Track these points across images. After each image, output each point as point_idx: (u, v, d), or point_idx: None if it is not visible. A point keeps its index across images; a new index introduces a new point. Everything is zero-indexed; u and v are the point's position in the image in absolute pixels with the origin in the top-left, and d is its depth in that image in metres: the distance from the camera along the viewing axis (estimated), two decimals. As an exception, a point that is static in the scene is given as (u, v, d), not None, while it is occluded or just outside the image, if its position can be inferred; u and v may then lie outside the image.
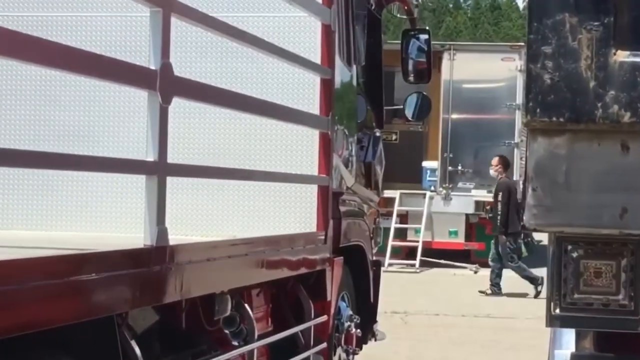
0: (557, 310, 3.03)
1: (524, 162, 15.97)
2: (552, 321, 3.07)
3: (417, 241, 21.93)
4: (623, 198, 2.62)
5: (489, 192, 22.11)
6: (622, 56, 2.61)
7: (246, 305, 6.22)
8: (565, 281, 2.99)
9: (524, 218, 2.71)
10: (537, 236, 28.27)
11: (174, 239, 4.81)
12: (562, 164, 2.60)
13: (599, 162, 2.62)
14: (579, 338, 3.27)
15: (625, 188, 2.59)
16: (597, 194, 2.62)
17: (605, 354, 3.25)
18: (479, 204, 22.12)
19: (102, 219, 6.69)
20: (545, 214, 2.67)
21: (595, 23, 2.57)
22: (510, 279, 17.67)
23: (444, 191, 22.04)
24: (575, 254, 2.95)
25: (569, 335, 3.28)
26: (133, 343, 4.75)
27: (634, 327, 3.04)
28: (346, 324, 8.39)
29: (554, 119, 2.56)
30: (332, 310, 7.85)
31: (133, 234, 4.80)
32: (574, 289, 3.00)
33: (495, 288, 17.75)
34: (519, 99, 21.08)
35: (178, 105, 4.82)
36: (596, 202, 2.64)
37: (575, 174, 2.62)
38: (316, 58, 7.09)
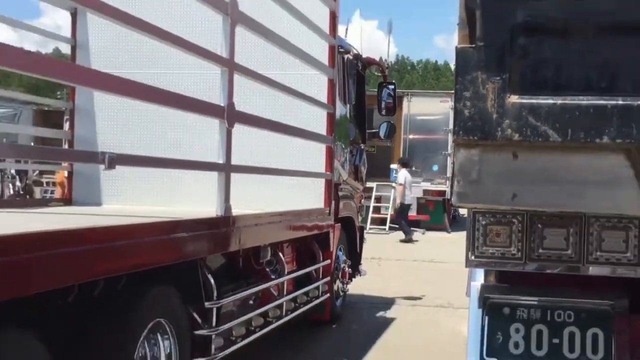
0: (472, 257, 3.05)
1: (452, 165, 15.93)
2: (469, 263, 3.09)
3: (387, 214, 21.97)
4: (513, 187, 2.65)
5: (432, 184, 22.15)
6: (514, 99, 2.63)
7: (280, 253, 6.23)
8: (477, 239, 3.01)
9: (452, 199, 2.73)
10: (461, 211, 28.29)
11: (235, 212, 4.83)
12: (476, 166, 2.62)
13: (499, 164, 2.64)
14: (486, 274, 3.30)
15: (515, 181, 2.62)
16: (497, 184, 2.64)
17: (503, 284, 3.27)
18: (425, 191, 22.16)
19: (190, 200, 6.71)
20: (464, 197, 2.69)
21: (497, 78, 2.59)
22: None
23: (404, 183, 22.03)
24: (484, 222, 2.97)
25: (479, 273, 3.30)
26: (209, 276, 4.78)
27: (521, 268, 3.07)
28: (342, 265, 8.41)
29: (471, 137, 2.58)
30: (333, 257, 7.87)
31: (208, 209, 4.81)
32: (482, 244, 3.02)
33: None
34: (451, 125, 20.99)
35: (238, 129, 4.85)
36: (497, 189, 2.66)
37: (484, 172, 2.64)
38: (324, 99, 7.11)
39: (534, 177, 2.63)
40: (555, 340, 3.13)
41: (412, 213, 21.55)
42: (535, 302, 3.15)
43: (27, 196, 15.67)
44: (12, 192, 16.80)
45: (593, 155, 2.60)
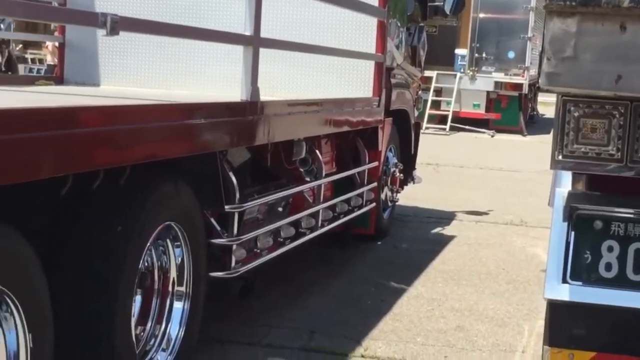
0: (560, 157, 3.01)
1: (535, 51, 15.70)
2: (555, 165, 3.05)
3: (448, 111, 21.85)
4: (618, 67, 2.58)
5: (506, 74, 21.89)
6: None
7: (317, 150, 6.23)
8: (567, 134, 2.97)
9: (540, 82, 2.67)
10: (541, 111, 28.06)
11: (264, 98, 4.81)
12: (571, 39, 2.56)
13: (601, 38, 2.56)
14: (575, 180, 3.26)
15: (621, 59, 2.55)
16: (598, 63, 2.58)
17: (595, 193, 3.25)
18: (497, 84, 21.93)
19: (208, 83, 6.70)
20: (555, 78, 2.64)
21: None
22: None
23: (471, 73, 21.82)
24: (576, 113, 2.92)
25: (567, 178, 3.27)
26: (231, 175, 4.80)
27: (618, 172, 3.03)
28: (392, 169, 8.43)
29: (567, 2, 2.50)
30: (382, 158, 7.88)
31: (231, 94, 4.80)
32: (573, 140, 2.97)
33: None
34: (533, 2, 20.68)
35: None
36: (597, 69, 2.60)
37: (581, 47, 2.57)
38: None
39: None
40: (658, 262, 3.11)
41: (480, 110, 21.45)
42: (635, 215, 3.12)
43: (9, 72, 15.81)
44: None
45: None
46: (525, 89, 21.91)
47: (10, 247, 3.03)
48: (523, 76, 21.47)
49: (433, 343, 5.46)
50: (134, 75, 7.02)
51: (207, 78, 6.72)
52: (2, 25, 15.72)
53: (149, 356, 4.21)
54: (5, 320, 3.07)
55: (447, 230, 9.14)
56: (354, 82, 7.07)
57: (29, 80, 7.35)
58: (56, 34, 7.61)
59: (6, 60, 17.47)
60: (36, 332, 3.17)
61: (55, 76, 7.34)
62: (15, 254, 3.06)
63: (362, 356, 5.15)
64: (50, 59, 17.96)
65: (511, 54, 21.76)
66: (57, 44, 7.50)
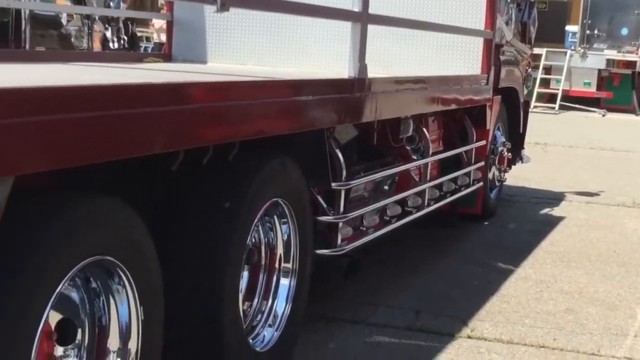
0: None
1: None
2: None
3: (558, 89, 21.47)
4: None
5: (619, 52, 21.37)
6: None
7: (424, 128, 6.19)
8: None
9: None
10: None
11: (371, 75, 4.79)
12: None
13: None
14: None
15: None
16: None
17: None
18: (609, 62, 21.44)
19: (316, 61, 6.72)
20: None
21: None
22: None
23: (582, 50, 21.38)
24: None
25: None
26: (338, 152, 4.81)
27: None
28: (500, 148, 8.35)
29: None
30: (490, 137, 7.80)
31: (338, 70, 4.79)
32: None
33: None
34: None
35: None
36: None
37: None
38: None
39: None
40: None
41: (591, 89, 21.02)
42: None
43: (131, 50, 16.20)
44: (116, 45, 17.48)
45: None
46: (639, 67, 21.35)
47: (122, 221, 3.10)
48: (637, 53, 20.96)
49: (541, 325, 5.38)
50: (240, 53, 7.09)
51: (314, 55, 6.74)
52: (111, 3, 16.04)
53: (255, 332, 4.25)
54: (117, 293, 3.14)
55: (556, 211, 9.00)
56: (462, 59, 6.99)
57: (139, 58, 7.50)
58: (163, 11, 7.72)
59: (130, 38, 17.90)
60: (147, 305, 3.23)
61: (164, 53, 7.45)
62: (128, 228, 3.13)
63: (469, 337, 5.12)
64: (156, 37, 18.25)
65: (624, 31, 21.25)
66: (165, 21, 7.59)
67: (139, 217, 3.17)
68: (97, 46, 17.15)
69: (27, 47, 9.10)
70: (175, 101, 3.17)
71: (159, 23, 16.80)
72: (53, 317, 2.86)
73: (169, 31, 7.41)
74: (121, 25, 16.89)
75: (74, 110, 2.64)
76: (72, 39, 12.65)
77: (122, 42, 16.77)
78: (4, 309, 2.54)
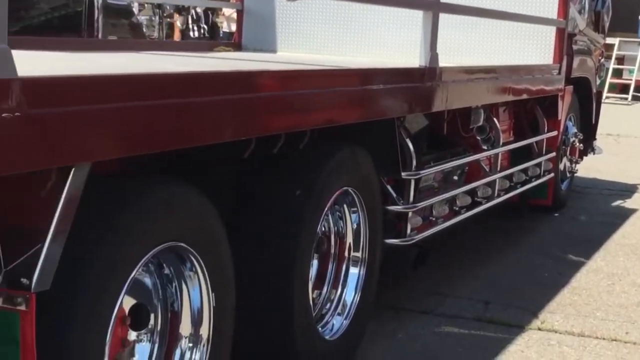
0: None
1: None
2: None
3: (631, 80, 21.14)
4: None
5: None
6: None
7: (494, 118, 6.15)
8: None
9: None
10: None
11: (442, 64, 4.78)
12: None
13: None
14: None
15: None
16: None
17: None
18: (685, 51, 21.07)
19: (386, 50, 6.71)
20: None
21: None
22: None
23: (656, 40, 21.07)
24: None
25: None
26: (408, 141, 4.80)
27: None
28: (571, 139, 8.25)
29: None
30: (561, 128, 7.72)
31: (409, 60, 4.79)
32: None
33: None
34: None
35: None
36: None
37: None
38: None
39: None
40: None
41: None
42: None
43: (211, 39, 16.43)
44: (196, 34, 17.74)
45: None
46: None
47: (195, 208, 3.13)
48: None
49: (613, 318, 5.32)
50: (309, 42, 7.11)
51: (384, 44, 6.73)
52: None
53: (324, 320, 4.27)
54: (190, 279, 3.19)
55: (628, 204, 8.87)
56: (534, 48, 6.92)
57: (209, 47, 7.57)
58: (233, 0, 7.78)
59: (209, 27, 18.14)
60: (219, 292, 3.27)
61: (234, 42, 7.51)
62: (200, 215, 3.17)
63: (539, 329, 5.08)
64: (226, 26, 18.40)
65: None
66: (235, 10, 7.65)
67: (211, 205, 3.21)
68: (177, 35, 17.43)
69: (100, 36, 9.22)
70: (247, 89, 3.20)
71: (228, 12, 16.93)
72: (127, 302, 2.91)
73: (239, 20, 7.47)
74: (201, 14, 17.14)
75: (148, 98, 2.68)
76: (144, 28, 12.82)
77: (202, 31, 17.02)
78: (80, 293, 2.60)
